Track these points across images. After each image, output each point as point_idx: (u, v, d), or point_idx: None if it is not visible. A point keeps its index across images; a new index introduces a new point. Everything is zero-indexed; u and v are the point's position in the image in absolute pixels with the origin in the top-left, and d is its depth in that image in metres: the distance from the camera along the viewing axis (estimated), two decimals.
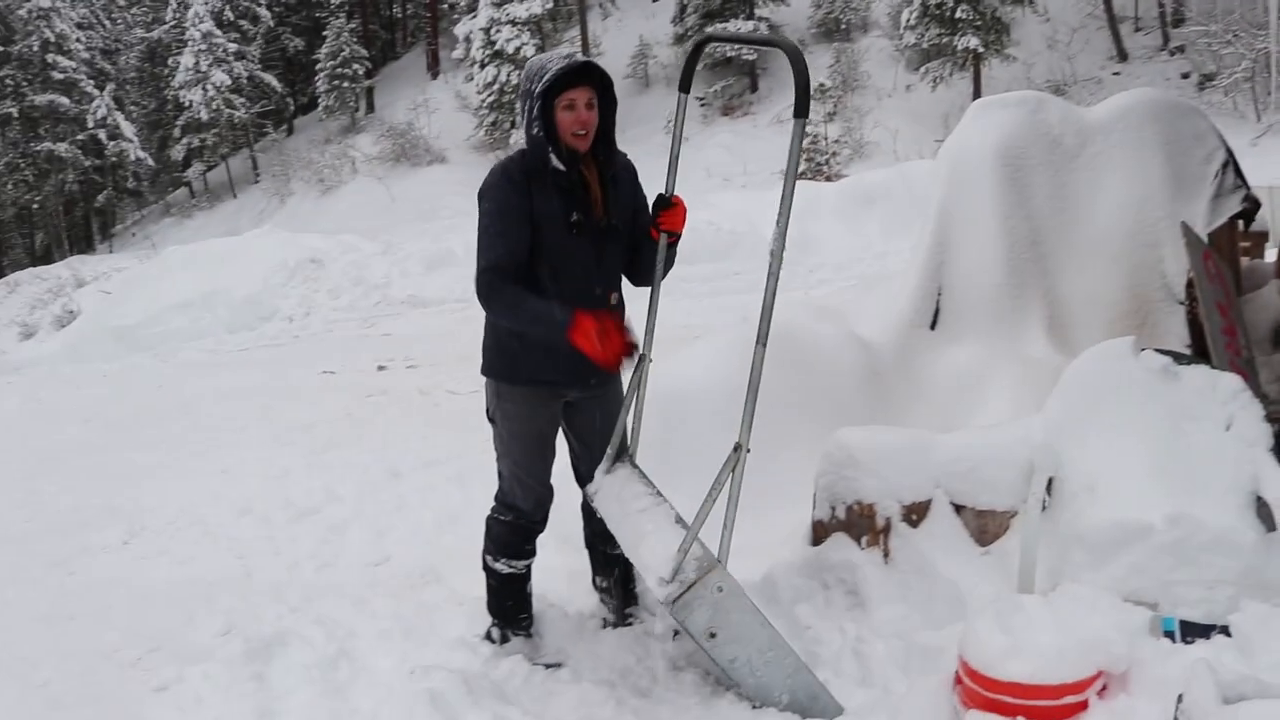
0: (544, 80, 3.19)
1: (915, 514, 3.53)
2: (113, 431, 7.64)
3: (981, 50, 26.63)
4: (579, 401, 3.50)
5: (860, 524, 3.57)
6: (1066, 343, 4.39)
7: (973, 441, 3.38)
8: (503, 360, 3.40)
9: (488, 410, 3.52)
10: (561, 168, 3.24)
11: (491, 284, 3.21)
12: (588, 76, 3.25)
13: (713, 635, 2.94)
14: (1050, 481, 3.26)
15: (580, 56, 3.28)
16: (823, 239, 13.38)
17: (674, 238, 3.47)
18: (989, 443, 3.35)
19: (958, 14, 26.18)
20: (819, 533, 3.70)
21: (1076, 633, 2.65)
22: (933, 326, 4.55)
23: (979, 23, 26.39)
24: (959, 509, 3.49)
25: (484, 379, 3.51)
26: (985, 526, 3.47)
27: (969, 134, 4.92)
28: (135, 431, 7.57)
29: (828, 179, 21.77)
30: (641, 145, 31.38)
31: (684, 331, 9.26)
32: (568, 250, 3.26)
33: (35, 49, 39.97)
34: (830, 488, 3.49)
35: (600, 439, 3.55)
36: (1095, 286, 4.59)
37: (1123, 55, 28.51)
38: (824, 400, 4.00)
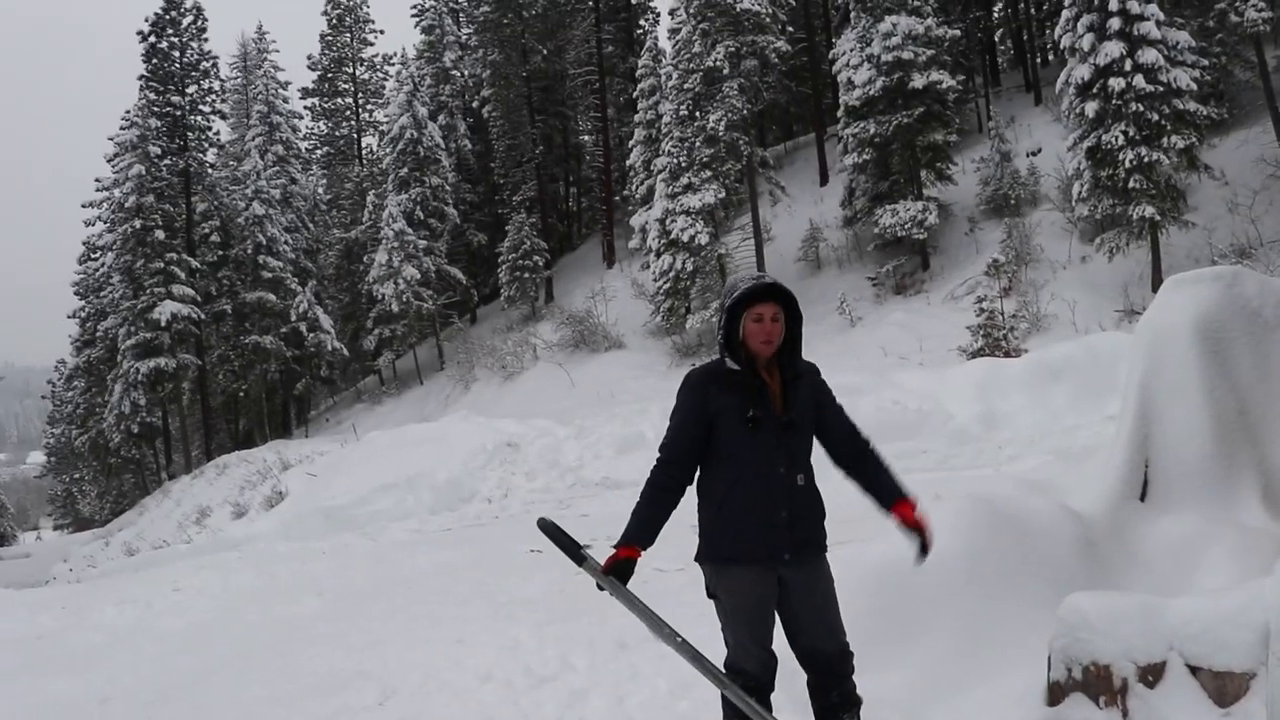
0: (734, 296, 3.76)
1: (1151, 675, 3.61)
2: (345, 603, 8.20)
3: (1158, 219, 26.32)
4: (788, 579, 3.80)
5: (1096, 685, 3.67)
6: None
7: (1204, 604, 3.45)
8: (710, 544, 3.81)
9: (708, 588, 3.88)
10: (735, 368, 3.74)
11: (655, 467, 3.80)
12: (774, 295, 3.75)
13: None
14: None
15: (768, 278, 3.81)
16: (1011, 414, 13.36)
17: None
18: (1221, 605, 3.40)
19: (1130, 184, 26.04)
20: (1055, 694, 3.79)
21: None
22: (1142, 498, 4.65)
23: (1153, 191, 26.16)
24: (1194, 670, 3.54)
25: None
26: (1224, 688, 3.51)
27: (1166, 309, 5.08)
28: (365, 604, 8.10)
29: (1007, 354, 21.64)
30: (815, 325, 31.88)
31: (876, 511, 9.38)
32: (746, 439, 3.71)
33: (249, 252, 43.60)
34: (1065, 650, 3.60)
35: (812, 618, 3.82)
36: None
37: None
38: (1041, 570, 4.13)
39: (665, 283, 33.49)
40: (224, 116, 48.67)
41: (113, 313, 43.07)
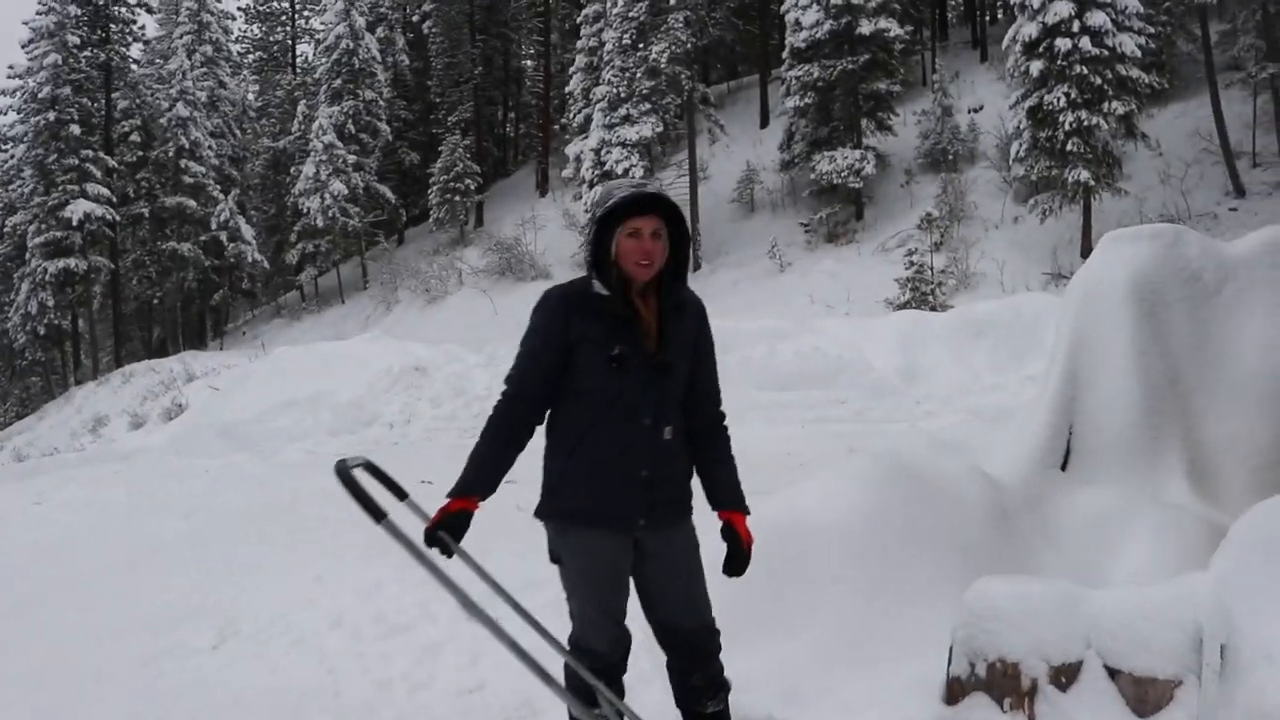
0: (606, 205, 3.14)
1: (1064, 676, 3.22)
2: (213, 527, 7.69)
3: (1093, 184, 26.30)
4: (645, 544, 3.29)
5: (1003, 684, 3.26)
6: (1210, 491, 4.11)
7: (1128, 597, 3.07)
8: (554, 500, 3.28)
9: (551, 550, 3.34)
10: (603, 292, 3.16)
11: (500, 403, 3.25)
12: (656, 205, 3.16)
13: None
14: (1222, 649, 2.95)
15: (652, 187, 3.19)
16: (930, 369, 13.10)
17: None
18: (1148, 599, 3.03)
19: (1068, 147, 25.96)
20: (954, 691, 3.38)
21: None
22: (1063, 467, 4.30)
23: (1090, 156, 26.12)
24: (1114, 673, 3.15)
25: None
26: (1144, 695, 3.13)
27: (1101, 266, 4.72)
28: (235, 529, 7.59)
29: (933, 309, 21.50)
30: (746, 269, 31.63)
31: (788, 459, 9.04)
32: (610, 381, 3.14)
33: (171, 154, 42.01)
34: (969, 642, 3.18)
35: (671, 589, 3.33)
36: (1238, 431, 4.31)
37: (1240, 191, 27.95)
38: (951, 539, 3.73)
39: None
40: (150, 10, 46.49)
41: (22, 208, 41.23)
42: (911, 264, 24.93)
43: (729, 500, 3.36)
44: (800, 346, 13.62)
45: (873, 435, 10.27)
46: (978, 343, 13.41)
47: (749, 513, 3.37)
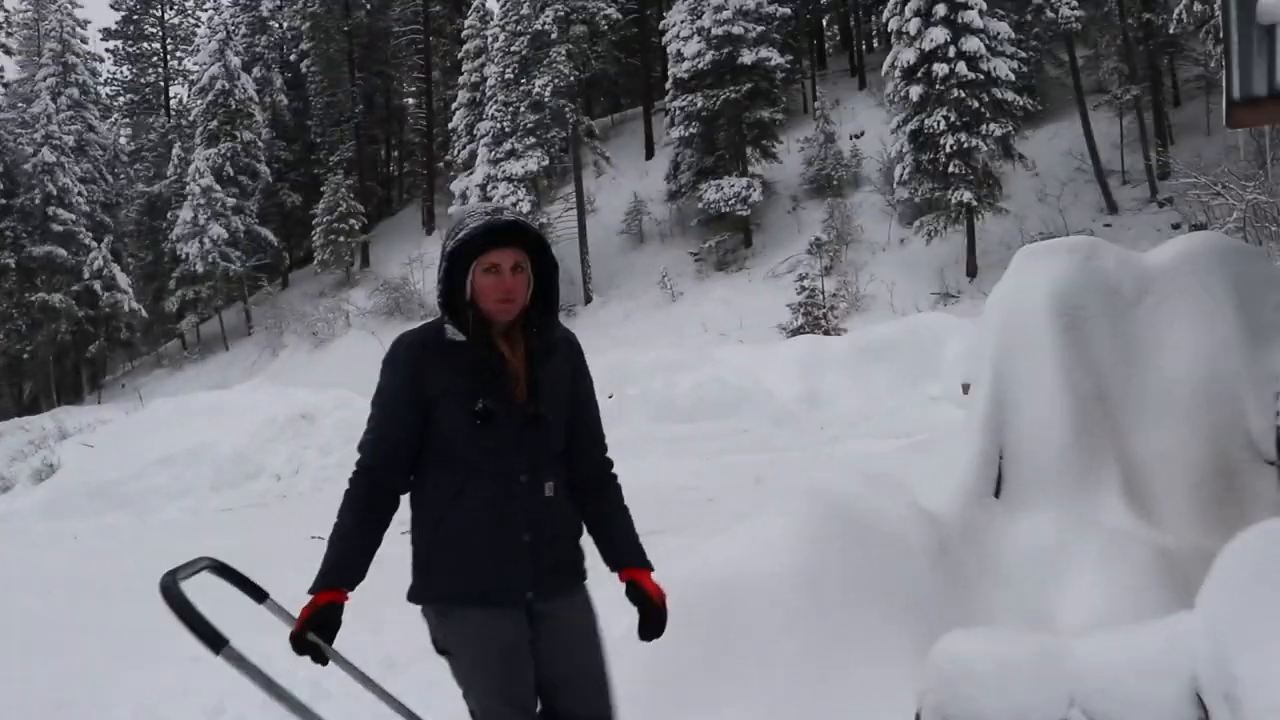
0: (456, 238, 2.70)
1: None
2: (78, 604, 6.99)
3: (975, 204, 26.86)
4: (538, 619, 2.80)
5: None
6: (1147, 509, 3.92)
7: (1113, 649, 2.75)
8: (427, 580, 2.78)
9: (434, 641, 2.83)
10: (459, 338, 2.72)
11: (356, 476, 2.76)
12: (515, 235, 2.72)
13: None
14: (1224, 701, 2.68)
15: (509, 214, 2.76)
16: (832, 395, 13.01)
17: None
18: (1135, 649, 2.71)
19: (950, 168, 26.49)
20: None
21: None
22: (997, 494, 4.07)
23: (971, 177, 26.70)
24: None
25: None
26: None
27: (1019, 283, 4.54)
28: (100, 606, 6.91)
29: (827, 333, 21.57)
30: (638, 299, 31.49)
31: (694, 494, 8.75)
32: (476, 439, 2.70)
33: (37, 202, 40.33)
34: (941, 708, 2.75)
35: (571, 671, 2.86)
36: (1171, 445, 4.14)
37: (1112, 208, 28.82)
38: (894, 588, 3.37)
39: None
40: (9, 52, 44.93)
41: None
42: (803, 289, 25.06)
43: (629, 557, 2.90)
44: (700, 377, 13.42)
45: (778, 464, 10.06)
46: (876, 366, 13.38)
47: (653, 568, 2.91)
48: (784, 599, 3.15)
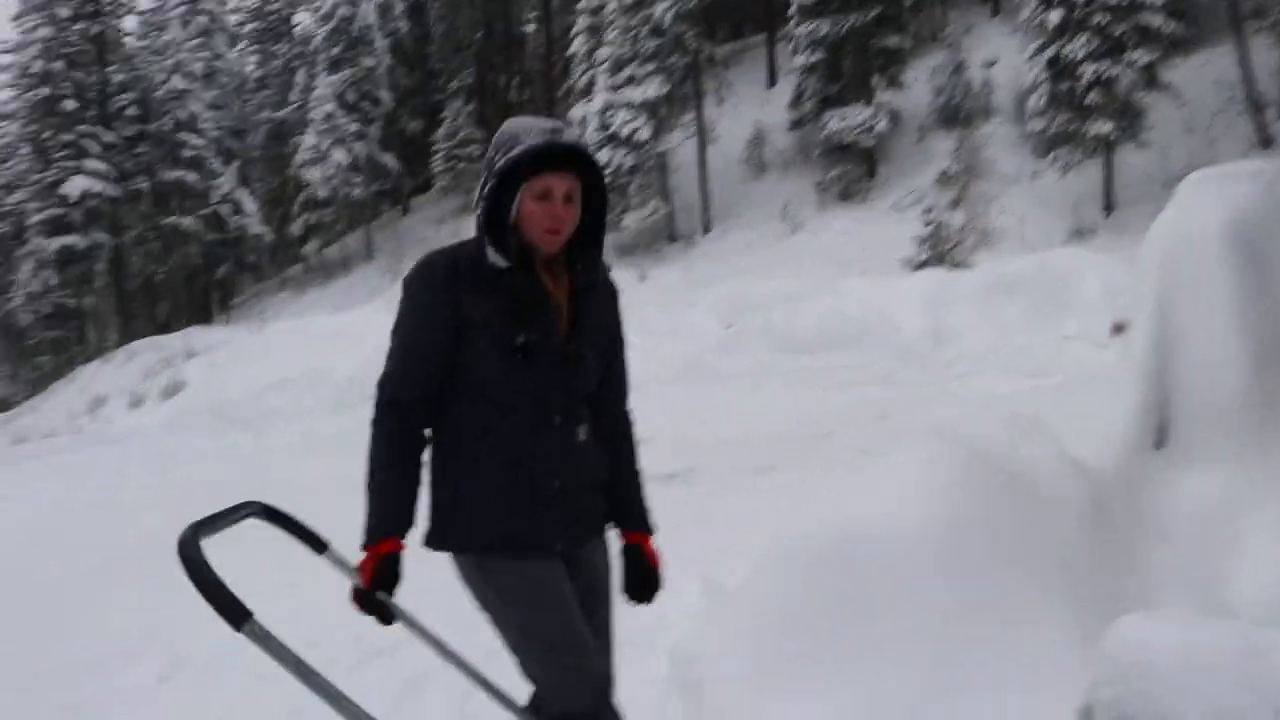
0: (510, 155, 2.41)
1: None
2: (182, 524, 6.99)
3: (1114, 137, 25.52)
4: (572, 564, 2.61)
5: None
6: None
7: None
8: (457, 525, 2.53)
9: (479, 594, 2.56)
10: (502, 264, 2.46)
11: (381, 415, 2.51)
12: (571, 160, 2.47)
13: None
14: None
15: (567, 135, 2.47)
16: (960, 330, 12.44)
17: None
18: None
19: (1089, 99, 25.17)
20: None
21: None
22: (1159, 445, 3.65)
23: (1112, 108, 25.34)
24: None
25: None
26: None
27: (1188, 212, 4.04)
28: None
29: (953, 267, 20.81)
30: (757, 229, 30.89)
31: (815, 428, 8.41)
32: (508, 376, 2.47)
33: (169, 128, 41.30)
34: (1117, 706, 2.31)
35: (596, 627, 2.64)
36: None
37: (1266, 142, 27.11)
38: (1045, 549, 2.99)
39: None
40: None
41: (20, 186, 40.62)
42: (929, 221, 24.22)
43: (636, 520, 2.73)
44: (821, 308, 12.98)
45: (902, 400, 9.64)
46: (1008, 301, 12.76)
47: (653, 532, 2.75)
48: (921, 556, 2.76)
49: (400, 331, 2.53)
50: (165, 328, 42.91)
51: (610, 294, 2.70)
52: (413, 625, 2.65)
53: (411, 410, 2.51)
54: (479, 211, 2.50)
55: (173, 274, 43.42)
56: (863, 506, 2.91)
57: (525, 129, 2.48)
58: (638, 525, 2.73)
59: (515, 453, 2.48)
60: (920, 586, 2.72)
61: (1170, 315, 3.80)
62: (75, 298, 42.24)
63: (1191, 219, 4.01)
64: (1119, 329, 9.51)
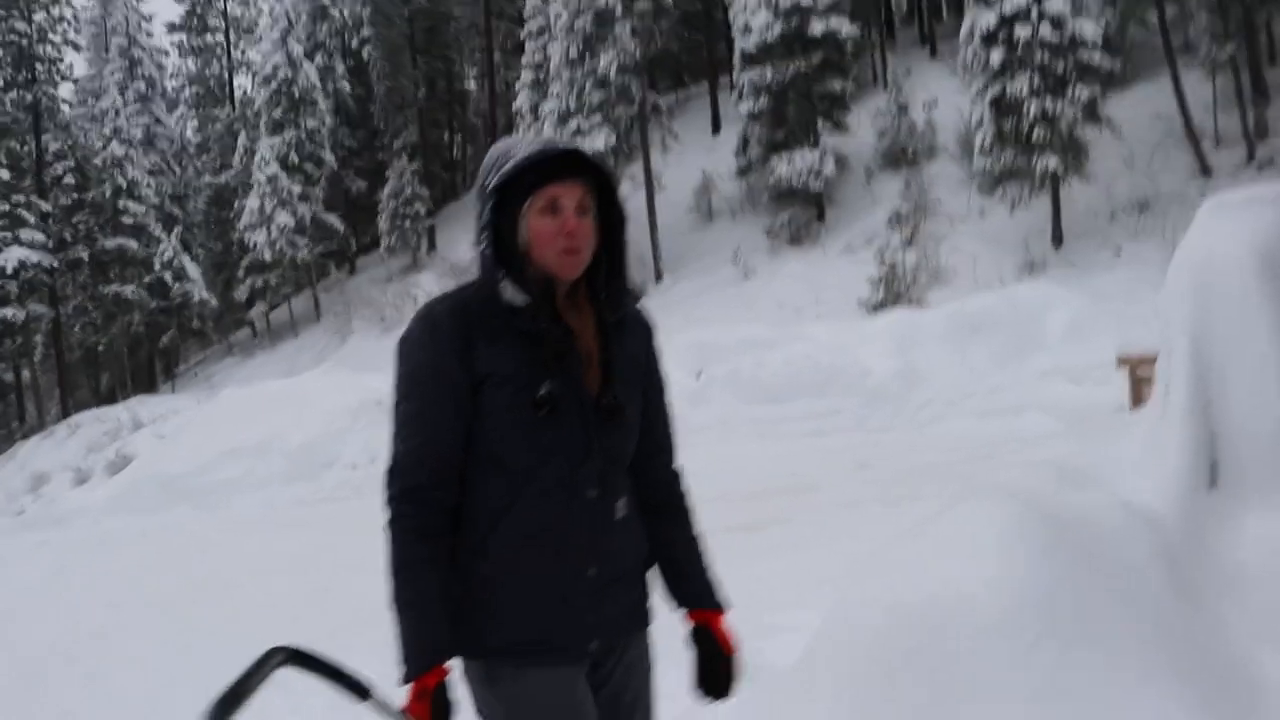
0: (503, 170, 2.02)
1: None
2: (142, 616, 6.52)
3: (1060, 171, 25.78)
4: (597, 678, 2.18)
5: None
6: None
7: None
8: (469, 627, 2.07)
9: (478, 705, 2.12)
10: (520, 302, 2.03)
11: (398, 511, 2.04)
12: (578, 167, 2.05)
13: None
14: None
15: (565, 142, 2.07)
16: (929, 371, 12.25)
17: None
18: None
19: (1034, 136, 25.45)
20: None
21: None
22: (1212, 484, 3.39)
23: (1056, 143, 25.63)
24: None
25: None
26: None
27: (1211, 239, 3.83)
28: (164, 618, 6.41)
29: (910, 304, 20.77)
30: (710, 277, 30.78)
31: (795, 481, 8.11)
32: (535, 436, 2.03)
33: (108, 195, 40.63)
34: None
35: None
36: None
37: (1205, 171, 27.53)
38: (1132, 611, 2.67)
39: None
40: (77, 48, 45.10)
41: None
42: (883, 262, 24.26)
43: (701, 595, 2.28)
44: (789, 354, 12.73)
45: (879, 446, 9.39)
46: (975, 339, 12.61)
47: (726, 610, 2.30)
48: (1013, 631, 2.38)
49: (405, 403, 2.07)
50: (109, 399, 41.96)
51: (645, 331, 2.26)
52: None
53: (432, 497, 2.04)
54: (483, 244, 2.07)
55: (115, 343, 42.52)
56: (933, 576, 2.56)
57: (516, 143, 2.10)
58: (705, 602, 2.28)
59: (539, 534, 2.05)
60: (1016, 666, 2.38)
61: (1207, 347, 3.57)
62: (13, 371, 41.23)
63: (1219, 247, 3.80)
64: (1141, 367, 9.27)
